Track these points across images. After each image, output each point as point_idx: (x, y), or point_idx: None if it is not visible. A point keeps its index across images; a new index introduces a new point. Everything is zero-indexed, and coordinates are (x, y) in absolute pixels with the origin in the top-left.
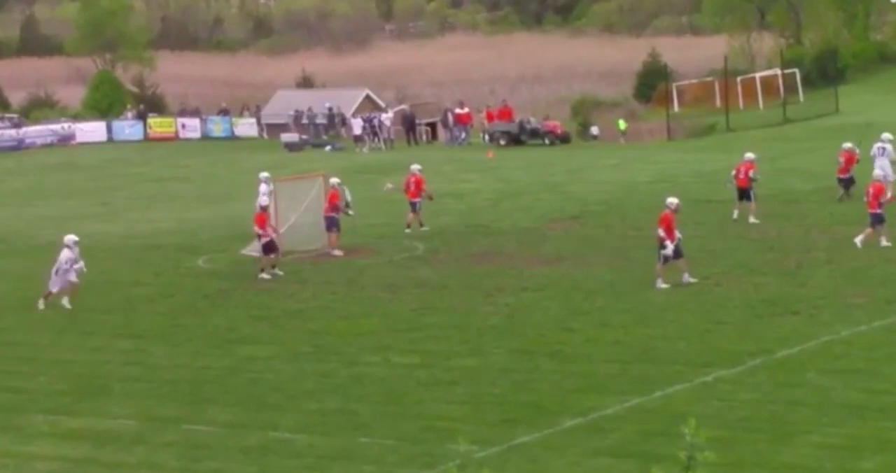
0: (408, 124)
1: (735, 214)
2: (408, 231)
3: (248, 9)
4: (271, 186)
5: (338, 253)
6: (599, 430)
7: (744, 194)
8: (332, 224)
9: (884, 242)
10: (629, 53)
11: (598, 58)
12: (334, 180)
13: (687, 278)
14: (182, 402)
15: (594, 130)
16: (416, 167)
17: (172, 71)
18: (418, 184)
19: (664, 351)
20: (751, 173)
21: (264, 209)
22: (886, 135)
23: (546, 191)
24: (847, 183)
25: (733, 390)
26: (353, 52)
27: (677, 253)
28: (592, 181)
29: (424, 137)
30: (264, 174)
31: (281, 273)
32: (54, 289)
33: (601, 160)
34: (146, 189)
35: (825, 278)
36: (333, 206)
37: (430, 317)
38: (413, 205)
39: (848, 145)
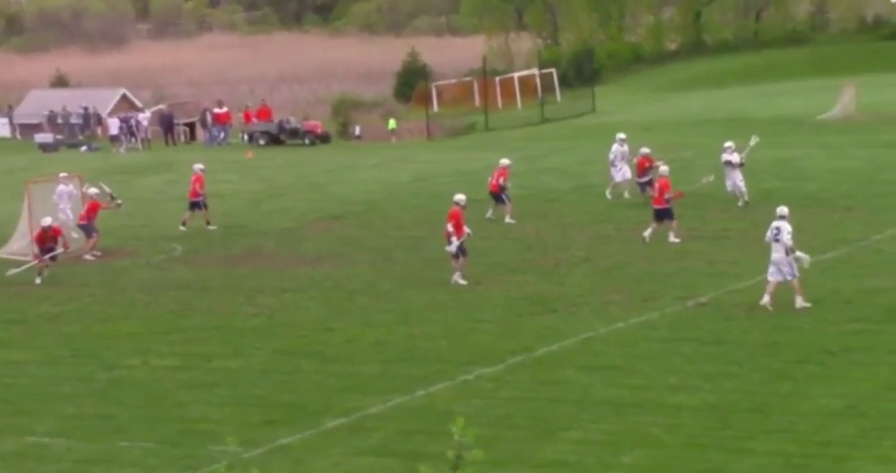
0: (166, 124)
1: (489, 213)
2: (182, 229)
3: None
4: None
5: (90, 257)
6: (362, 430)
7: (497, 198)
8: (89, 230)
9: (672, 238)
10: (389, 53)
11: (357, 58)
12: (93, 190)
13: (457, 279)
14: None
15: (357, 130)
16: (198, 166)
17: None
18: (198, 182)
19: (426, 350)
20: (501, 180)
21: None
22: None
23: (307, 191)
24: (643, 186)
25: (495, 388)
26: (108, 51)
27: (462, 252)
28: (353, 181)
29: (183, 137)
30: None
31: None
32: None
33: (362, 160)
34: None
35: (583, 276)
36: (91, 214)
37: (191, 319)
38: (193, 204)
39: (645, 151)
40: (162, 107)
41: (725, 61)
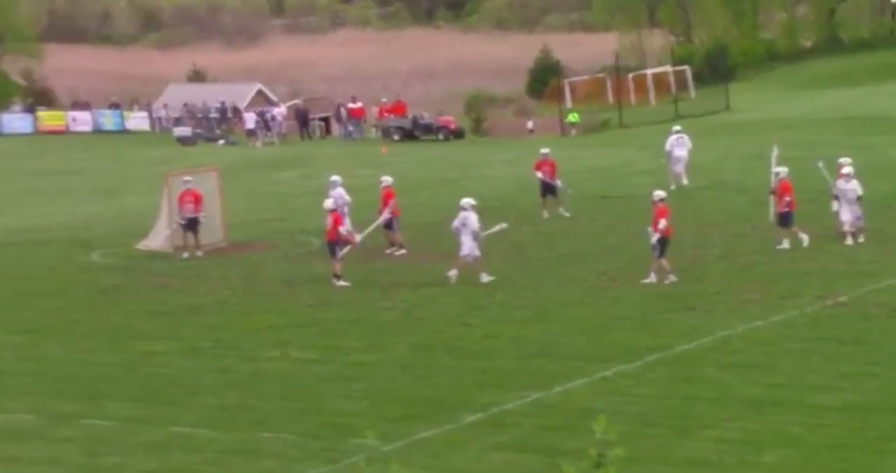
0: (301, 119)
1: (545, 214)
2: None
3: (137, 2)
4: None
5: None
6: (500, 425)
7: (548, 190)
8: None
9: (784, 244)
10: (521, 50)
11: (489, 54)
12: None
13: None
14: (80, 397)
15: (530, 124)
16: (387, 179)
17: (61, 64)
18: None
19: (563, 346)
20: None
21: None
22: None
23: (441, 186)
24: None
25: (633, 385)
26: (244, 46)
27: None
28: (487, 177)
29: (318, 132)
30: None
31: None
32: None
33: (495, 156)
34: (36, 183)
35: (720, 274)
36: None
37: (328, 312)
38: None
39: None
40: (297, 101)
41: (861, 59)
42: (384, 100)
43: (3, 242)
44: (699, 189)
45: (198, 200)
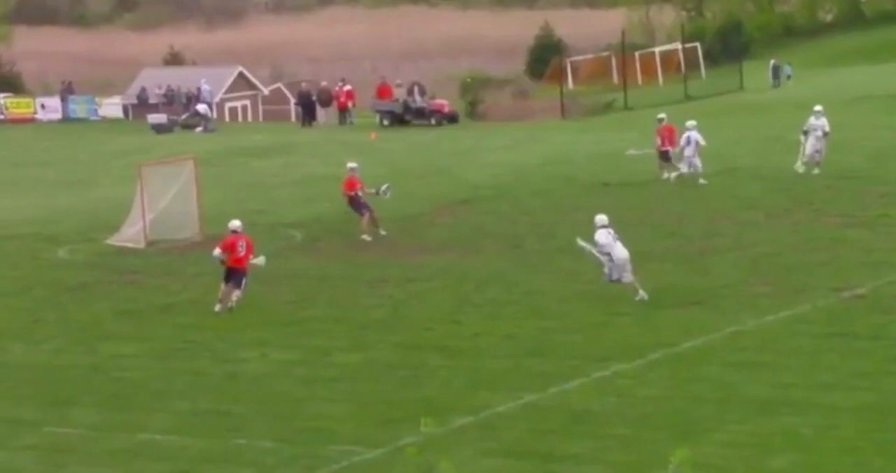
0: (305, 103)
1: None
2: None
3: None
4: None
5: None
6: (491, 429)
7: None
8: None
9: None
10: (521, 27)
11: (487, 32)
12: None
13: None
14: (43, 403)
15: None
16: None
17: (30, 47)
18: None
19: (559, 344)
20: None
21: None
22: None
23: (433, 175)
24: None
25: (633, 385)
26: (225, 26)
27: None
28: (482, 164)
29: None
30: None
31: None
32: None
33: (491, 141)
34: (1, 174)
35: (729, 266)
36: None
37: (310, 310)
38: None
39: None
40: (303, 84)
41: (885, 34)
42: (393, 81)
43: None
44: (708, 175)
45: (249, 249)
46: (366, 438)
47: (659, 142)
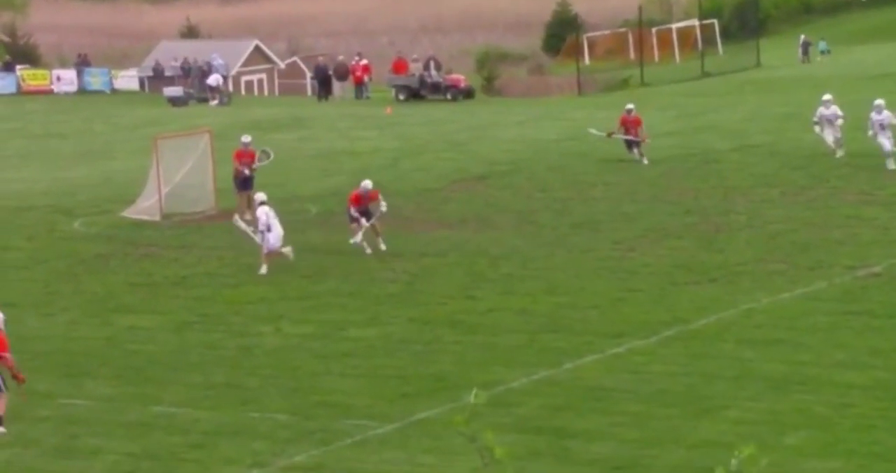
0: (321, 77)
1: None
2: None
3: None
4: None
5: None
6: (505, 405)
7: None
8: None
9: None
10: (537, 2)
11: (504, 7)
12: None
13: None
14: (57, 375)
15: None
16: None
17: (47, 19)
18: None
19: (574, 320)
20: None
21: None
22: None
23: (448, 150)
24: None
25: (647, 362)
26: None
27: None
28: (498, 139)
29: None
30: None
31: None
32: None
33: (507, 117)
34: (18, 146)
35: (744, 243)
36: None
37: (324, 284)
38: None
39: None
40: (319, 59)
41: None
42: (412, 55)
43: None
44: (724, 151)
45: (251, 158)
46: (380, 412)
47: (623, 130)
